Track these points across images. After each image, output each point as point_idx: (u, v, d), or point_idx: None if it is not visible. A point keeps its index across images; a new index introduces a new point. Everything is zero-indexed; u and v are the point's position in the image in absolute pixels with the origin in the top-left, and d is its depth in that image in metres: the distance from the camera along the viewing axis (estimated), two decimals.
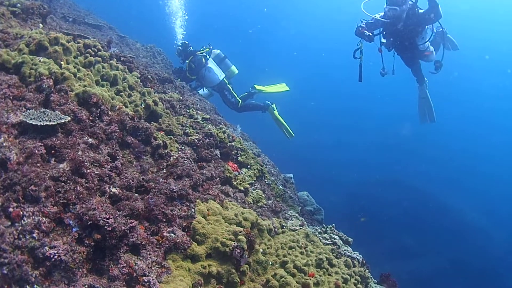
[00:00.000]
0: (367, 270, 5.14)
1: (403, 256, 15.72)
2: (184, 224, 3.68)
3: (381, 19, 7.60)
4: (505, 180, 25.09)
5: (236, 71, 10.00)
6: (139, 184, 3.69)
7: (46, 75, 3.98)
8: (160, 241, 3.30)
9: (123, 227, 3.01)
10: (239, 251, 3.58)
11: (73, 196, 3.07)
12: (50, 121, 3.56)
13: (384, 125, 31.22)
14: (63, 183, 3.14)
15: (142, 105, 5.51)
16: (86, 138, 3.76)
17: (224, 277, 3.50)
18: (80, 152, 3.49)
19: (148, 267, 3.07)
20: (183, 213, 3.80)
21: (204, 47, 9.88)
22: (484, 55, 33.13)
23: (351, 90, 31.89)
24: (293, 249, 4.65)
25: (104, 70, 5.20)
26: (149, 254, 3.16)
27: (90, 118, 4.04)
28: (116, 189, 3.34)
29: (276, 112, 9.97)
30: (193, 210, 3.92)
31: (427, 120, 9.57)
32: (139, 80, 5.98)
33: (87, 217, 2.90)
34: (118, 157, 4.03)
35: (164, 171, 4.59)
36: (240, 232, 3.74)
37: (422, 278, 14.77)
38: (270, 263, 4.08)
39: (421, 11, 7.49)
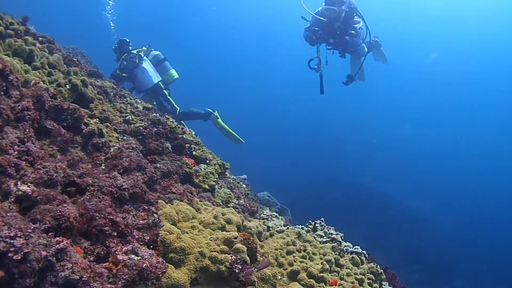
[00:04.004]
0: (378, 265, 4.09)
1: None
2: (148, 238, 2.32)
3: (318, 17, 7.13)
4: (446, 170, 25.95)
5: (176, 76, 8.61)
6: (68, 180, 2.27)
7: None
8: (115, 271, 1.93)
9: (44, 253, 1.62)
10: (240, 267, 2.30)
11: None
12: None
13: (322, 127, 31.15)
14: None
15: (67, 86, 4.07)
16: None
17: None
18: None
19: None
20: (142, 221, 2.44)
21: (143, 47, 8.47)
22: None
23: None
24: (293, 254, 3.45)
25: (16, 43, 3.84)
26: None
27: None
28: (28, 187, 1.91)
29: (220, 120, 8.80)
30: (155, 215, 2.56)
31: (357, 78, 9.07)
32: (62, 61, 4.55)
33: None
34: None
35: (104, 168, 3.17)
36: (235, 238, 2.47)
37: None
38: (279, 277, 2.84)
39: (357, 19, 7.30)
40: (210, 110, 8.75)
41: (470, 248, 16.93)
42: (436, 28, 32.25)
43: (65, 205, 1.87)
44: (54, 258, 1.67)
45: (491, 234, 18.33)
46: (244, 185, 6.59)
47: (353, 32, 7.20)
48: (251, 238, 2.56)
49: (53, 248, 1.67)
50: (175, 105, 8.34)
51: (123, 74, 7.97)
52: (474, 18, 30.45)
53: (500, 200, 22.78)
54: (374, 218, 17.70)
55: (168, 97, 8.35)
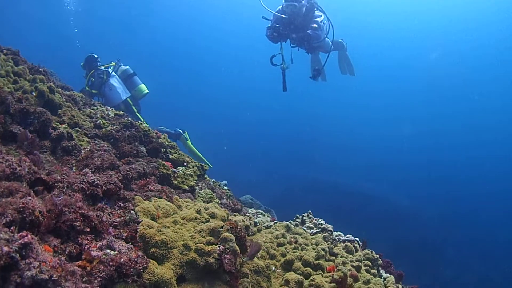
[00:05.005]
0: (373, 251, 3.96)
1: None
2: (125, 234, 2.14)
3: (279, 14, 7.17)
4: (423, 165, 26.28)
5: (145, 91, 8.36)
6: (34, 177, 2.08)
7: None
8: (90, 268, 1.74)
9: (6, 248, 1.43)
10: (230, 257, 2.13)
11: None
12: None
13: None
14: None
15: (33, 93, 3.88)
16: None
17: None
18: None
19: None
20: (118, 219, 2.25)
21: (112, 62, 8.23)
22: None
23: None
24: (284, 246, 3.31)
25: None
26: None
27: None
28: None
29: (189, 142, 8.67)
30: (133, 212, 2.38)
31: (319, 78, 8.99)
32: (27, 71, 4.36)
33: None
34: None
35: (75, 170, 2.97)
36: (222, 227, 2.30)
37: None
38: (273, 268, 2.68)
39: (318, 13, 7.36)
40: (180, 130, 8.61)
41: (455, 236, 17.15)
42: (437, 27, 32.65)
43: (30, 197, 1.68)
44: (18, 255, 1.47)
45: (474, 222, 18.67)
46: (225, 187, 6.42)
47: (315, 25, 7.23)
48: (239, 227, 2.40)
49: (16, 243, 1.48)
50: (144, 123, 8.15)
51: (93, 91, 7.74)
52: (474, 17, 31.00)
53: (480, 189, 23.25)
54: (359, 216, 17.73)
55: (137, 114, 8.13)
